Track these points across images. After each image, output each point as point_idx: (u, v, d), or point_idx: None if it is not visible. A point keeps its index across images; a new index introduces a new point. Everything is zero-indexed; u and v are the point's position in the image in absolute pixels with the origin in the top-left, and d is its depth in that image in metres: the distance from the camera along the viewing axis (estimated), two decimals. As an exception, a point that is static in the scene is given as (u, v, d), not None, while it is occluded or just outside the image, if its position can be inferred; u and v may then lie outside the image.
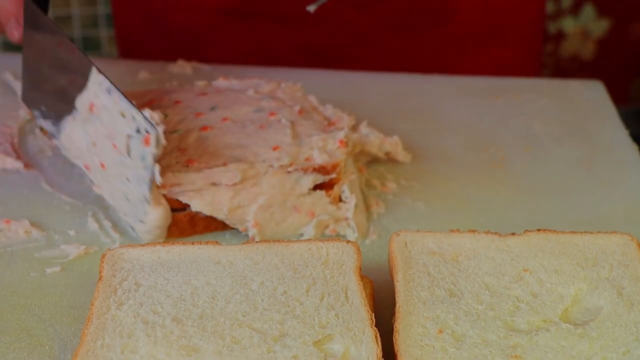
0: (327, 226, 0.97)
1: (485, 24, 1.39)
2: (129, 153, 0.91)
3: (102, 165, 0.95)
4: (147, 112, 0.91)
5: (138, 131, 0.89)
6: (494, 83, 1.32)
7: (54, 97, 1.03)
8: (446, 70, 1.35)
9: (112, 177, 0.95)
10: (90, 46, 2.46)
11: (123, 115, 0.91)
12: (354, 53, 1.39)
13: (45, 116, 1.05)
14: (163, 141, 0.89)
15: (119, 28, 1.51)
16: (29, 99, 1.08)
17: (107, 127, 0.93)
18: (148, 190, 0.90)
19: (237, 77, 1.18)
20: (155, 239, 0.93)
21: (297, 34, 1.37)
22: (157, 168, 0.89)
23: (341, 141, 0.98)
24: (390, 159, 1.11)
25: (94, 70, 0.94)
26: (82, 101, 0.97)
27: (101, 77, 0.94)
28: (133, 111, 0.90)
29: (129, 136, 0.90)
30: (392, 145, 1.10)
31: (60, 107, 1.01)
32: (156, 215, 0.92)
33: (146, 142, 0.89)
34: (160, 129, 0.89)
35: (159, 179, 0.89)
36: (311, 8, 1.09)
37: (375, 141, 1.10)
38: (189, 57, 1.34)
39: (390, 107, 1.24)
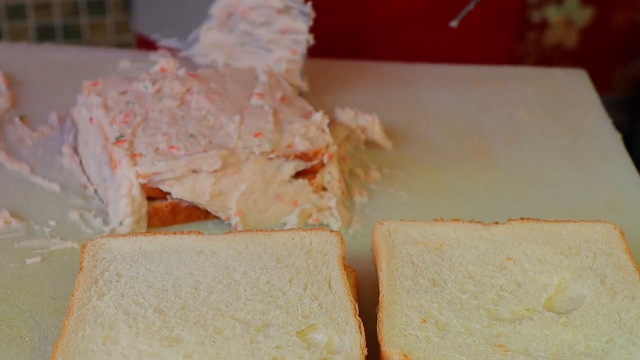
0: (310, 215, 0.97)
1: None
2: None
3: None
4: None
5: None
6: (478, 72, 1.32)
7: (180, 12, 1.18)
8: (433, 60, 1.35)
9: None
10: (71, 34, 2.43)
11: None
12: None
13: (168, 34, 1.17)
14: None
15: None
16: (147, 24, 1.22)
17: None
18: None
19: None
20: (136, 229, 0.92)
21: None
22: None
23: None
24: (371, 145, 1.11)
25: None
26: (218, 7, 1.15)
27: None
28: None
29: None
30: (369, 122, 1.10)
31: (190, 20, 1.13)
32: (123, 204, 0.91)
33: None
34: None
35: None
36: (454, 23, 1.13)
37: (349, 113, 1.10)
38: None
39: (373, 96, 1.24)
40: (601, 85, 2.69)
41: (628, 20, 2.64)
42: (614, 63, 2.73)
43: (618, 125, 1.20)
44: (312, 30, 1.15)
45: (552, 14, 2.63)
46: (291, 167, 0.95)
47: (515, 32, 1.50)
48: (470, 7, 1.13)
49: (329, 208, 0.98)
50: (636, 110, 2.71)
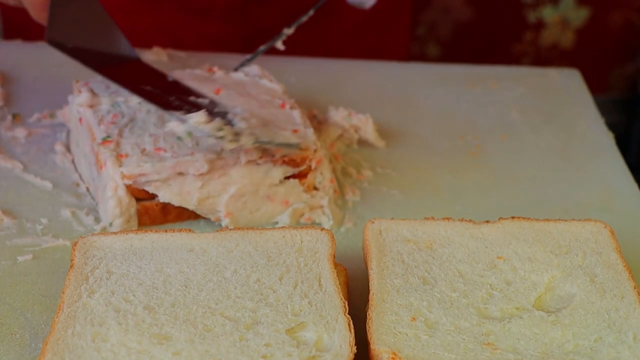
0: (302, 214, 0.97)
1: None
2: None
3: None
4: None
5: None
6: (471, 71, 1.32)
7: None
8: None
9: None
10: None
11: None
12: None
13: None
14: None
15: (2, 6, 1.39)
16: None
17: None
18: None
19: (213, 65, 1.17)
20: (127, 228, 0.92)
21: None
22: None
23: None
24: (364, 144, 1.11)
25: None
26: None
27: None
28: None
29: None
30: (362, 121, 1.10)
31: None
32: (111, 205, 0.91)
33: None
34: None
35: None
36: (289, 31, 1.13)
37: (342, 112, 1.10)
38: None
39: (366, 95, 1.24)
40: (597, 85, 2.71)
41: (624, 20, 2.64)
42: (610, 63, 2.74)
43: (614, 126, 1.20)
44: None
45: (548, 14, 2.63)
46: (279, 172, 0.95)
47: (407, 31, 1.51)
48: (310, 13, 1.14)
49: (321, 207, 0.98)
50: (632, 110, 2.72)
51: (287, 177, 0.96)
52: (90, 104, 1.00)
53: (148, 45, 1.31)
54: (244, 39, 1.36)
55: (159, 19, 1.35)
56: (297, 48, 1.27)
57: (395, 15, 1.46)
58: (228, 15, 1.34)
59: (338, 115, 1.11)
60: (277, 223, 0.96)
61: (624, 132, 2.68)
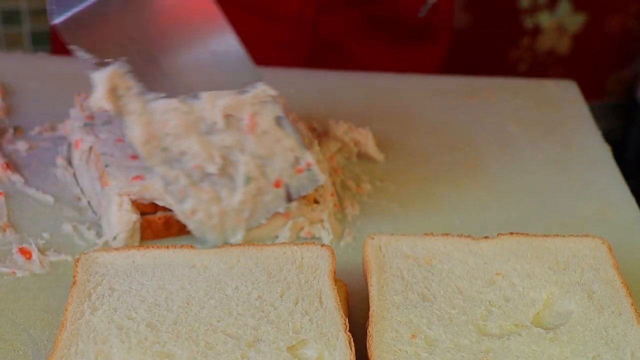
0: (302, 228, 0.98)
1: None
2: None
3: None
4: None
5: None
6: (468, 83, 1.33)
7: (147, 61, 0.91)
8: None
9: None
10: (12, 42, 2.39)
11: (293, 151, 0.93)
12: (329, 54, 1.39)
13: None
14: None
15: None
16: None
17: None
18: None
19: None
20: (129, 242, 0.93)
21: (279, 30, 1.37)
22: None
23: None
24: (363, 157, 1.12)
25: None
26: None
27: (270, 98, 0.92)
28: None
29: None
30: (362, 135, 1.11)
31: (162, 83, 0.90)
32: (115, 220, 0.92)
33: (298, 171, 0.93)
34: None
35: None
36: (422, 12, 1.12)
37: (343, 126, 1.11)
38: None
39: (364, 107, 1.24)
40: (594, 91, 2.72)
41: (621, 26, 2.65)
42: (607, 69, 2.75)
43: (611, 131, 1.21)
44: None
45: (545, 19, 2.64)
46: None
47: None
48: None
49: (321, 221, 0.98)
50: (629, 116, 2.73)
51: None
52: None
53: None
54: (310, 48, 1.36)
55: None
56: (351, 61, 1.28)
57: (438, 25, 1.46)
58: (299, 23, 1.34)
59: (338, 129, 1.12)
60: (277, 237, 0.97)
61: (620, 137, 2.69)
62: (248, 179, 0.92)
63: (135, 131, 0.89)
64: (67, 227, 0.97)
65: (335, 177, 1.07)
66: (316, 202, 0.99)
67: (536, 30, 2.64)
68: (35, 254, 0.92)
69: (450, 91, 1.30)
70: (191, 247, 0.86)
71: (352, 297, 0.87)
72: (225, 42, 0.89)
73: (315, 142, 1.01)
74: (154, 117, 0.89)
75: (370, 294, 0.82)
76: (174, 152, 0.91)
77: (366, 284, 0.85)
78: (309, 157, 0.93)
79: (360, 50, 1.39)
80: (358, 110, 1.23)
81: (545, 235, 0.89)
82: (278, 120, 0.92)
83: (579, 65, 2.67)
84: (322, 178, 0.94)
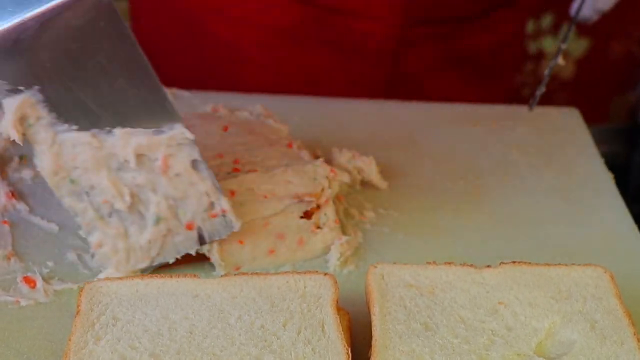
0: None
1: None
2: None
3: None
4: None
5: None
6: (471, 110, 1.33)
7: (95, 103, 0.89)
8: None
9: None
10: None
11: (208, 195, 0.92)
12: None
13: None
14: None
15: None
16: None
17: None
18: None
19: (217, 103, 1.18)
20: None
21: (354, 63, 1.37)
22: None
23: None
24: (367, 185, 1.12)
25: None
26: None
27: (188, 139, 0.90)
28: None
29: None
30: (366, 163, 1.12)
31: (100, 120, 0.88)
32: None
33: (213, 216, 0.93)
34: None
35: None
36: (532, 105, 1.19)
37: (346, 155, 1.11)
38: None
39: (368, 135, 1.25)
40: (598, 115, 2.72)
41: (624, 51, 2.66)
42: (611, 93, 2.75)
43: (614, 155, 1.22)
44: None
45: (549, 45, 2.65)
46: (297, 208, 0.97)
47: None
48: (542, 88, 1.18)
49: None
50: (633, 139, 2.73)
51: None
52: None
53: (285, 82, 1.32)
54: (388, 82, 1.36)
55: (303, 57, 1.35)
56: (428, 95, 1.31)
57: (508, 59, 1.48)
58: (378, 57, 1.34)
59: (342, 158, 1.13)
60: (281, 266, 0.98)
61: (624, 161, 2.70)
62: (158, 219, 0.91)
63: (43, 161, 0.88)
64: (72, 256, 0.97)
65: (339, 205, 1.08)
66: (319, 228, 1.00)
67: (540, 55, 2.66)
68: (39, 283, 0.92)
69: (454, 118, 1.30)
70: (195, 276, 0.87)
71: (355, 326, 0.88)
72: (146, 78, 0.86)
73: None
74: (63, 149, 0.87)
75: (373, 323, 0.82)
76: (83, 185, 0.89)
77: (368, 312, 0.85)
78: (224, 204, 0.92)
79: (437, 85, 1.40)
80: (361, 137, 1.24)
81: (548, 264, 0.89)
82: (194, 164, 0.90)
83: (583, 89, 2.68)
84: (238, 225, 0.93)
